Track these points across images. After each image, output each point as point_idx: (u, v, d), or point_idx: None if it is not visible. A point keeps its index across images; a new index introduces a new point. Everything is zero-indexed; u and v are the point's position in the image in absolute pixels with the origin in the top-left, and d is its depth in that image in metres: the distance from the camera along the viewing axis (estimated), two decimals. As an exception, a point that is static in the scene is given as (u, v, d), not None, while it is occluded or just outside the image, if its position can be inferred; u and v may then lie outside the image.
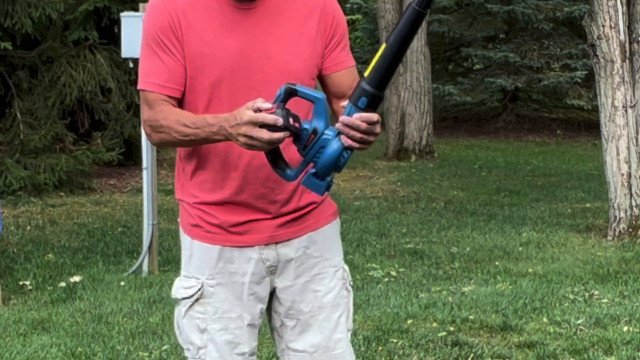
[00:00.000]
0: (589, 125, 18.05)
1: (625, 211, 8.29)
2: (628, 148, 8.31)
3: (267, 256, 2.76)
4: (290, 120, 2.38)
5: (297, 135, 2.40)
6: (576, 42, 17.73)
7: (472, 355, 5.12)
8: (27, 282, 6.79)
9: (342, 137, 2.42)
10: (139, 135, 8.00)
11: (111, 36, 11.72)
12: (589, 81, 16.40)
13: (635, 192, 8.29)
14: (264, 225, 2.74)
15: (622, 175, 8.29)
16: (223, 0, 2.65)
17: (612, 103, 8.30)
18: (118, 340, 5.43)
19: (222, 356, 2.77)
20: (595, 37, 8.31)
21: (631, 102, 8.31)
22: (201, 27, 2.63)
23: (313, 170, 2.45)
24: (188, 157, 2.75)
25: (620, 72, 8.26)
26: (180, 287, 2.78)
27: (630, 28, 8.35)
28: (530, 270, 7.14)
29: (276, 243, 2.76)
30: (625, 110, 8.30)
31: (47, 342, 5.39)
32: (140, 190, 8.69)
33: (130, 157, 12.08)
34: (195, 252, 2.78)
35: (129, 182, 11.74)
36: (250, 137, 2.39)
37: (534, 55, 17.88)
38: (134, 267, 7.07)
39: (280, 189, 2.71)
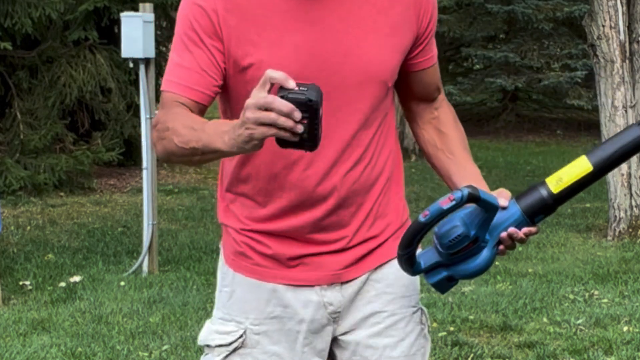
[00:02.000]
0: (589, 125, 18.05)
1: (625, 211, 8.29)
2: (628, 148, 8.30)
3: (330, 299, 2.19)
4: (320, 112, 1.81)
5: (312, 134, 1.81)
6: (576, 42, 17.72)
7: (472, 355, 5.12)
8: (27, 282, 6.79)
9: (500, 247, 2.02)
10: (139, 135, 8.00)
11: (111, 36, 11.72)
12: (589, 81, 16.39)
13: (635, 192, 8.29)
14: (328, 260, 2.18)
15: (622, 175, 8.30)
16: None
17: (612, 103, 8.30)
18: (118, 340, 5.43)
19: None
20: (595, 37, 8.31)
21: (631, 102, 8.31)
22: (255, 18, 2.07)
23: (446, 274, 2.03)
24: (235, 173, 2.21)
25: (620, 72, 8.26)
26: (214, 332, 2.22)
27: (630, 28, 8.35)
28: (530, 270, 7.14)
29: (342, 283, 2.20)
30: (625, 110, 8.30)
31: (47, 342, 5.39)
32: (140, 190, 8.69)
33: (130, 157, 12.08)
34: (238, 288, 2.21)
35: (129, 182, 11.74)
36: (254, 121, 1.79)
37: (534, 55, 17.88)
38: (134, 267, 7.07)
39: (349, 216, 2.18)
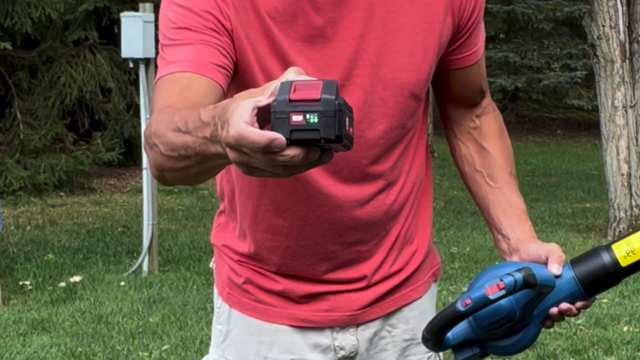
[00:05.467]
0: (589, 125, 18.05)
1: (625, 211, 8.29)
2: (628, 148, 8.31)
3: (342, 343, 1.85)
4: (346, 124, 1.22)
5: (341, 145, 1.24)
6: (576, 42, 17.73)
7: (472, 355, 5.12)
8: (27, 282, 6.79)
9: (547, 322, 1.68)
10: (139, 135, 8.00)
11: (111, 36, 11.73)
12: (589, 81, 16.40)
13: (635, 192, 8.29)
14: (345, 299, 1.84)
15: (622, 175, 8.29)
16: None
17: (612, 103, 8.30)
18: (118, 340, 5.43)
19: None
20: (595, 37, 8.32)
21: (631, 102, 8.31)
22: (268, 18, 1.67)
23: (479, 351, 1.68)
24: (230, 201, 1.86)
25: (620, 72, 8.26)
26: None
27: (630, 28, 8.35)
28: (530, 270, 7.14)
29: (357, 325, 1.86)
30: (625, 110, 8.30)
31: (47, 342, 5.39)
32: (140, 190, 8.68)
33: (130, 157, 12.08)
34: (234, 328, 1.87)
35: (129, 182, 11.74)
36: (243, 154, 1.24)
37: (534, 55, 17.89)
38: (134, 267, 7.07)
39: (372, 249, 1.82)
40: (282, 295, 1.83)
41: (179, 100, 1.50)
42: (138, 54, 6.90)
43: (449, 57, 1.79)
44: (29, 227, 8.88)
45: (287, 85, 1.19)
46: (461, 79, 1.84)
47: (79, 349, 5.26)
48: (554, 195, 11.03)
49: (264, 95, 1.23)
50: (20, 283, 6.77)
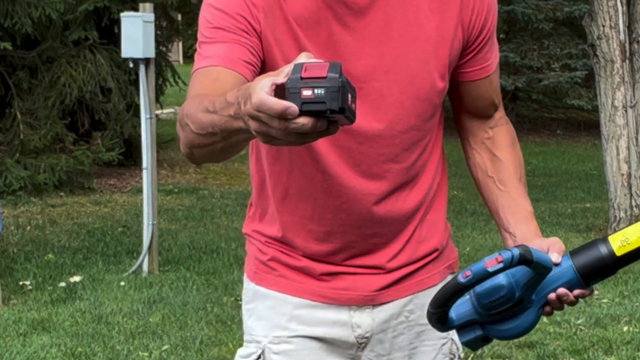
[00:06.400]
0: (589, 125, 18.05)
1: (625, 211, 8.29)
2: (628, 148, 8.31)
3: (358, 321, 2.00)
4: (349, 99, 1.42)
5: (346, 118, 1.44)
6: (576, 42, 17.73)
7: (472, 355, 5.11)
8: (27, 282, 6.79)
9: (546, 308, 1.78)
10: (139, 135, 7.99)
11: (111, 36, 11.72)
12: (589, 81, 16.40)
13: (635, 192, 8.29)
14: (363, 280, 2.00)
15: (622, 175, 8.30)
16: None
17: (612, 103, 8.30)
18: (118, 340, 5.43)
19: None
20: (595, 37, 8.32)
21: (631, 102, 8.32)
22: (293, 23, 1.86)
23: (481, 333, 1.79)
24: (264, 187, 2.02)
25: (620, 72, 8.26)
26: (239, 357, 2.05)
27: (630, 28, 8.35)
28: (530, 270, 7.14)
29: (373, 306, 2.01)
30: (625, 110, 8.30)
31: (47, 342, 5.39)
32: (140, 190, 8.68)
33: (130, 157, 12.08)
34: (259, 304, 2.03)
35: (129, 182, 11.74)
36: (262, 123, 1.44)
37: (534, 55, 17.88)
38: (134, 267, 7.07)
39: (388, 241, 1.99)
40: (304, 271, 1.99)
41: (210, 90, 1.71)
42: (138, 54, 6.89)
43: (460, 70, 1.96)
44: (29, 227, 8.88)
45: (299, 66, 1.40)
46: (472, 91, 1.99)
47: (79, 349, 5.26)
48: (554, 195, 11.03)
49: (280, 76, 1.42)
50: (20, 283, 6.78)
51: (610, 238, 1.76)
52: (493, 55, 1.99)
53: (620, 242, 1.75)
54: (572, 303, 1.76)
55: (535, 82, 17.82)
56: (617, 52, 8.26)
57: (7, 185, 10.35)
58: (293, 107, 1.38)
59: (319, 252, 1.98)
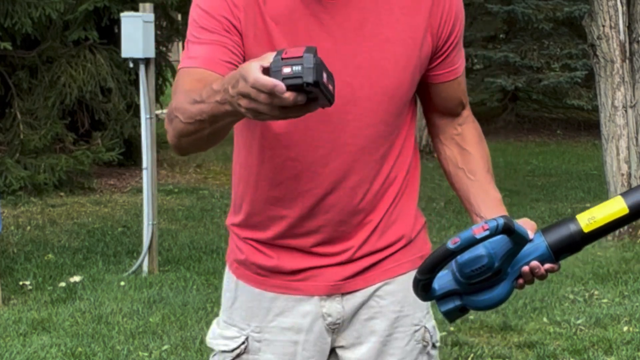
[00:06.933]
0: (589, 125, 18.05)
1: (625, 211, 8.29)
2: (628, 148, 8.31)
3: (329, 310, 2.16)
4: (324, 77, 1.65)
5: (324, 98, 1.67)
6: (576, 42, 17.73)
7: (472, 355, 5.12)
8: (27, 282, 6.79)
9: (519, 280, 1.93)
10: (139, 135, 7.99)
11: (111, 36, 11.72)
12: (589, 81, 16.40)
13: (635, 192, 8.29)
14: (330, 272, 2.14)
15: (622, 175, 8.30)
16: None
17: (612, 103, 8.30)
18: (118, 340, 5.43)
19: None
20: (595, 37, 8.32)
21: (631, 102, 8.32)
22: (271, 22, 2.02)
23: (459, 303, 1.94)
24: (239, 179, 2.19)
25: (620, 72, 8.26)
26: (219, 336, 2.23)
27: (630, 28, 8.35)
28: (530, 270, 7.14)
29: (342, 294, 2.16)
30: (625, 110, 8.30)
31: (47, 342, 5.39)
32: (140, 190, 8.68)
33: (130, 157, 12.08)
34: (240, 296, 2.21)
35: (129, 182, 11.74)
36: (251, 100, 1.67)
37: (534, 55, 17.88)
38: (134, 267, 7.07)
39: (355, 228, 2.12)
40: (275, 270, 2.15)
41: (193, 88, 1.90)
42: (138, 54, 6.89)
43: (431, 73, 2.12)
44: (29, 227, 8.88)
45: (281, 51, 1.65)
46: (442, 92, 2.15)
47: (79, 349, 5.26)
48: (554, 195, 11.03)
49: (265, 60, 1.65)
50: (20, 283, 6.78)
51: (578, 217, 1.91)
52: (460, 59, 2.17)
53: (587, 220, 1.90)
54: (542, 277, 1.90)
55: (535, 82, 17.82)
56: (617, 52, 8.26)
57: (7, 185, 10.35)
58: (280, 84, 1.60)
59: (291, 239, 2.13)
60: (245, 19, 2.00)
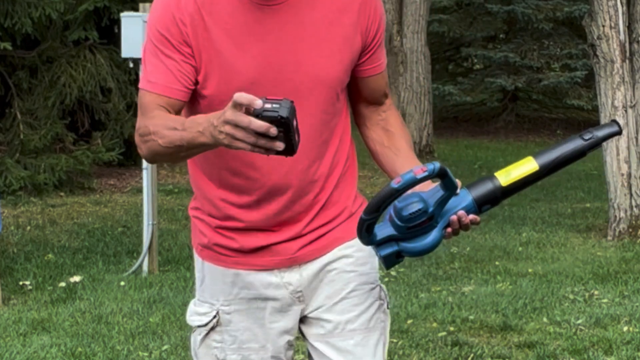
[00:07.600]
0: (589, 125, 17.85)
1: (625, 211, 8.30)
2: (628, 148, 8.31)
3: (289, 280, 2.43)
4: (294, 123, 2.02)
5: (289, 143, 2.02)
6: (576, 42, 17.73)
7: (472, 355, 5.12)
8: (27, 282, 6.79)
9: (448, 229, 2.19)
10: (139, 135, 7.98)
11: (111, 36, 11.72)
12: (589, 81, 16.40)
13: (635, 192, 8.29)
14: (285, 247, 2.42)
15: (622, 175, 8.30)
16: None
17: (612, 103, 8.30)
18: (118, 340, 5.43)
19: None
20: (595, 37, 8.32)
21: (631, 102, 8.32)
22: (217, 29, 2.29)
23: (396, 248, 2.18)
24: (200, 168, 2.45)
25: (620, 72, 8.26)
26: (195, 314, 2.50)
27: (630, 28, 8.35)
28: (530, 270, 7.14)
29: (300, 264, 2.43)
30: (625, 110, 8.30)
31: (47, 342, 5.39)
32: (140, 190, 8.69)
33: (130, 157, 12.08)
34: (207, 275, 2.49)
35: (129, 182, 11.75)
36: (236, 129, 2.01)
37: (534, 55, 17.89)
38: (134, 267, 7.07)
39: (305, 208, 2.41)
40: (238, 250, 2.43)
41: (158, 113, 2.26)
42: (138, 54, 6.89)
43: (360, 68, 2.42)
44: (29, 227, 8.89)
45: (264, 97, 2.01)
46: (370, 85, 2.46)
47: (79, 349, 5.26)
48: (554, 195, 11.03)
49: (230, 106, 2.01)
50: (20, 283, 6.78)
51: (497, 174, 2.21)
52: (383, 56, 2.47)
53: (504, 177, 2.20)
54: (466, 227, 2.18)
55: (535, 82, 17.82)
56: (617, 52, 8.26)
57: (7, 185, 10.35)
58: (273, 128, 1.98)
59: (254, 221, 2.40)
60: (193, 32, 2.28)
